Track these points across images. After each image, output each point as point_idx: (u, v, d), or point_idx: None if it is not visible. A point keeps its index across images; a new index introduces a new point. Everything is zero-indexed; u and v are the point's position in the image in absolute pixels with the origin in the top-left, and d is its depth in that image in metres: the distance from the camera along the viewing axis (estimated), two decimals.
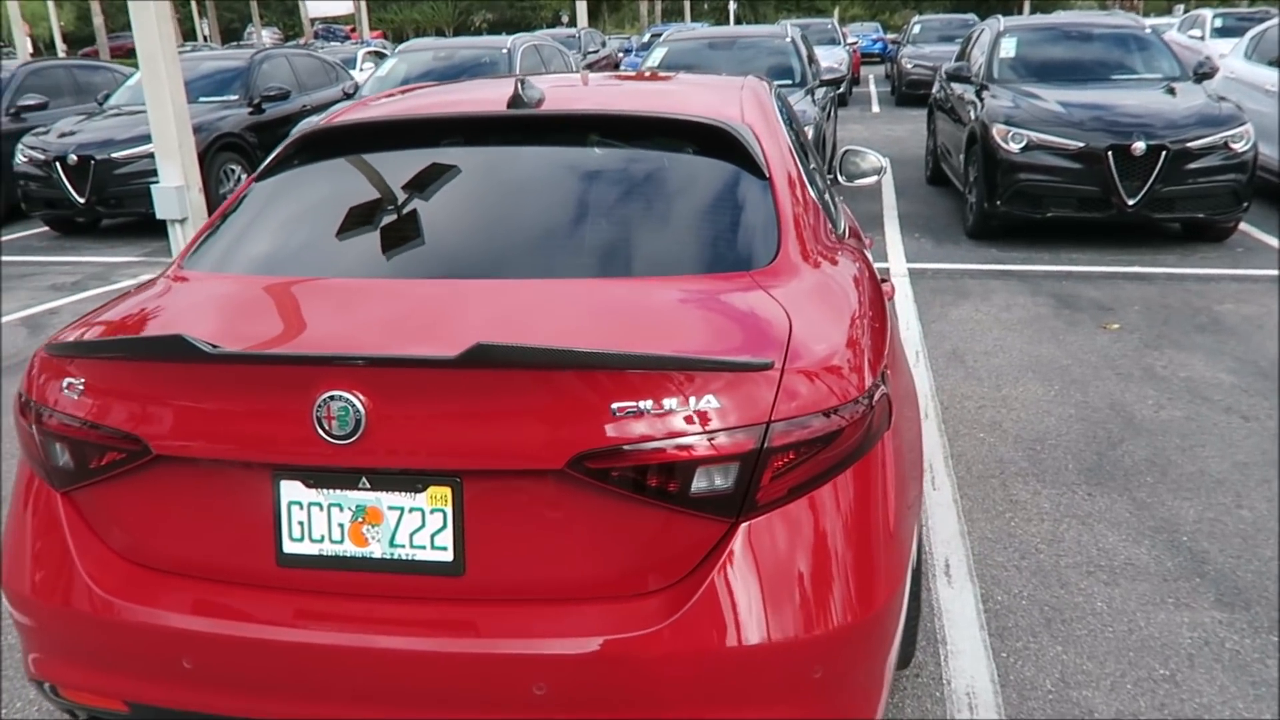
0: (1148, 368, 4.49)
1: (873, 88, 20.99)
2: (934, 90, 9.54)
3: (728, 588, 1.48)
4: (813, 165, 2.91)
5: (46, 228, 9.12)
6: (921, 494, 2.16)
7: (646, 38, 9.70)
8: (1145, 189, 6.40)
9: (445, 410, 1.47)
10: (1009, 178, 6.72)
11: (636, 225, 1.95)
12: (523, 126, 2.26)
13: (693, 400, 1.46)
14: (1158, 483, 3.36)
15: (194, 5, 51.72)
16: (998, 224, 7.06)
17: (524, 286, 1.78)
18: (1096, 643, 2.52)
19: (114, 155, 8.35)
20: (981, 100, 7.38)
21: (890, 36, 29.86)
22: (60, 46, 39.87)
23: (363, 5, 38.60)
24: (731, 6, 39.29)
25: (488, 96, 2.48)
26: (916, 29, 19.28)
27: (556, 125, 2.25)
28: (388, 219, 2.02)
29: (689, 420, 1.45)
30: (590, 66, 18.59)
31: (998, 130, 6.80)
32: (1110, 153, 6.39)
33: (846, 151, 3.82)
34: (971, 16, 19.71)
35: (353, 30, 44.27)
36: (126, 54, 34.91)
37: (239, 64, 9.99)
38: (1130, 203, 6.44)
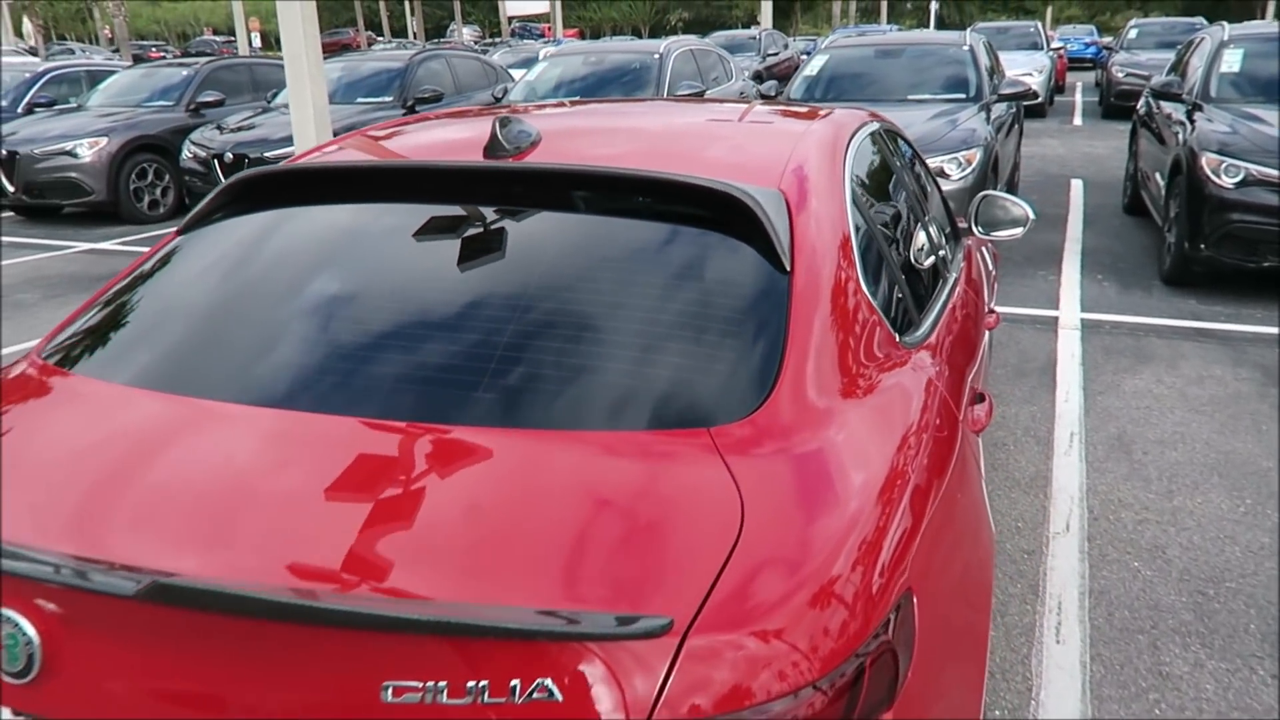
0: None
1: (1079, 97, 19.20)
2: (1138, 106, 8.35)
3: None
4: (903, 228, 2.25)
5: None
6: None
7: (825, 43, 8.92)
8: None
9: (149, 659, 0.99)
10: (1219, 217, 5.64)
11: (572, 344, 1.40)
12: (491, 181, 1.76)
13: (517, 686, 0.91)
14: None
15: (406, 2, 54.54)
16: (1200, 270, 5.96)
17: (365, 438, 1.27)
18: None
19: (266, 155, 8.48)
20: (1192, 122, 6.27)
21: (1106, 40, 27.45)
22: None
23: (557, 4, 39.23)
24: (933, 7, 37.47)
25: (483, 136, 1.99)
26: (1133, 33, 17.43)
27: (530, 183, 1.73)
28: (270, 315, 1.56)
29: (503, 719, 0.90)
30: (769, 70, 17.89)
31: (1208, 160, 5.72)
32: None
33: (984, 198, 3.10)
34: (1199, 21, 17.62)
35: (548, 28, 45.23)
36: (339, 49, 37.09)
37: (398, 65, 10.01)
38: None
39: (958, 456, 1.54)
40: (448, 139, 2.08)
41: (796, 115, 2.35)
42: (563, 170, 1.66)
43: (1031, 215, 3.04)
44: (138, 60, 18.74)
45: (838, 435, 1.29)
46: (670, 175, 1.58)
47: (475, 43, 38.42)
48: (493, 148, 1.79)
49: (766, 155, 1.85)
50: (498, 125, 1.80)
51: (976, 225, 3.09)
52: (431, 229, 1.66)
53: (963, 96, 7.25)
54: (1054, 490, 3.48)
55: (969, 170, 6.14)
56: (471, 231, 1.64)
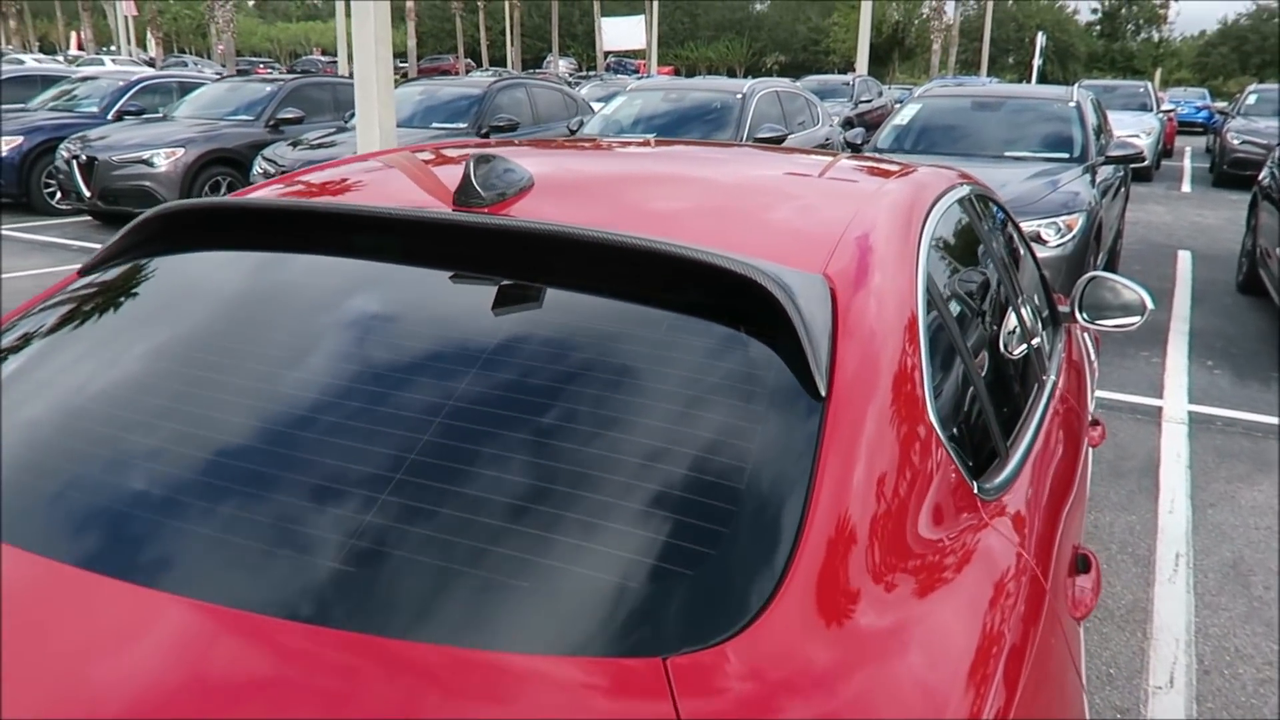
0: None
1: (1187, 162, 18.26)
2: (1261, 176, 7.66)
3: None
4: (992, 321, 1.80)
5: None
6: None
7: (920, 91, 8.42)
8: None
9: None
10: None
11: (480, 501, 0.98)
12: (452, 239, 1.37)
13: None
14: None
15: (507, 33, 55.83)
16: None
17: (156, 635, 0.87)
18: None
19: None
20: None
21: (1218, 105, 26.28)
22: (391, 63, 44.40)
23: (653, 43, 39.45)
24: (1036, 62, 36.56)
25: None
26: (1251, 99, 16.48)
27: (498, 244, 1.33)
28: (125, 415, 1.18)
29: None
30: (860, 116, 17.44)
31: None
32: None
33: (1092, 280, 2.61)
34: None
35: (643, 64, 45.53)
36: (437, 75, 38.03)
37: (477, 92, 9.86)
38: None
39: (1055, 673, 1.08)
40: (439, 176, 1.70)
41: (871, 172, 1.93)
42: (564, 236, 1.24)
43: (1149, 304, 2.55)
44: (241, 75, 19.22)
45: (878, 672, 0.85)
46: (659, 245, 1.16)
47: (570, 75, 38.84)
48: (464, 194, 1.41)
49: (820, 223, 1.43)
50: (473, 166, 1.41)
51: (1081, 312, 2.60)
52: (343, 303, 1.28)
53: (1066, 156, 6.70)
54: (1155, 628, 2.93)
55: (1069, 237, 5.59)
56: (391, 314, 1.26)
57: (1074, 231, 5.63)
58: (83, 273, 1.51)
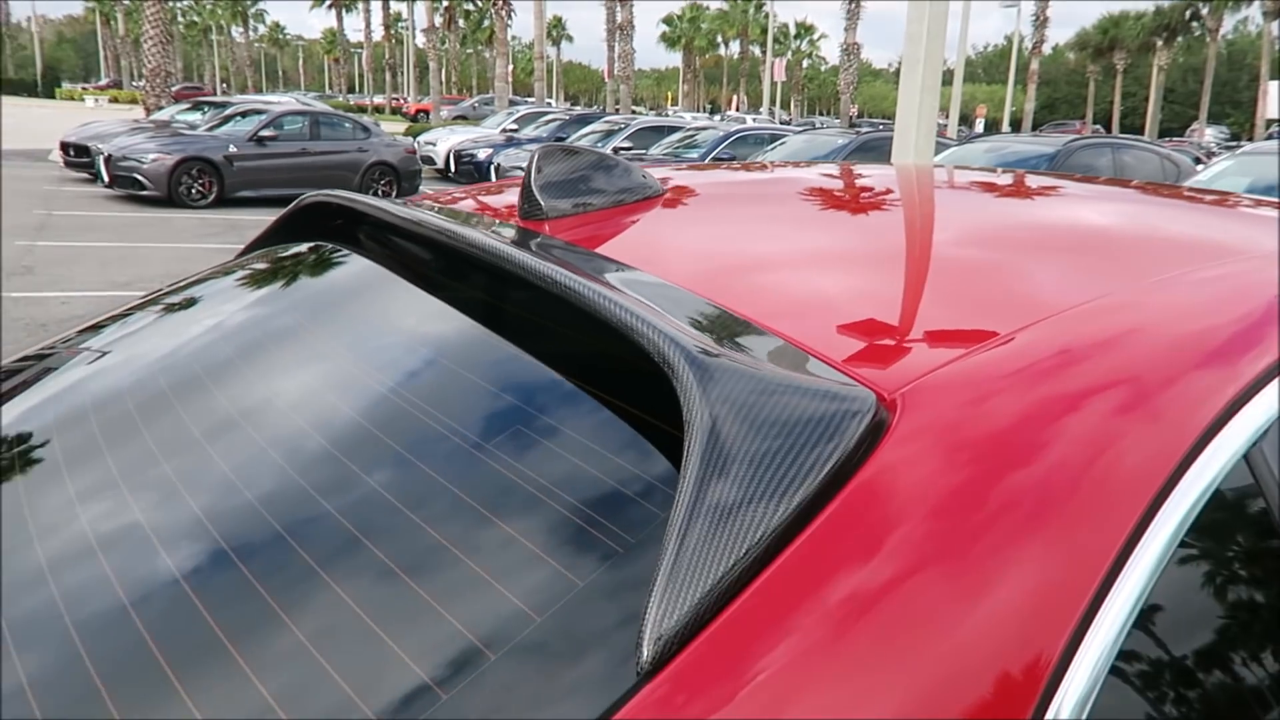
0: None
1: None
2: None
3: None
4: None
5: None
6: None
7: None
8: None
9: None
10: None
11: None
12: (482, 269, 1.05)
13: None
14: None
15: (1151, 96, 51.30)
16: None
17: None
18: None
19: None
20: None
21: None
22: (1005, 127, 43.93)
23: None
24: None
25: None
26: None
27: (505, 281, 0.97)
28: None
29: None
30: None
31: None
32: None
33: None
34: None
35: None
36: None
37: (1049, 150, 8.97)
38: None
39: None
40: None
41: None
42: (546, 276, 0.79)
43: None
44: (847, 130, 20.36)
45: None
46: (634, 317, 0.67)
47: (1216, 144, 34.07)
48: (526, 201, 1.10)
49: (1009, 304, 0.83)
50: (534, 166, 1.09)
51: None
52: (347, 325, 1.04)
53: None
54: None
55: None
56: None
57: None
58: (244, 251, 1.49)
